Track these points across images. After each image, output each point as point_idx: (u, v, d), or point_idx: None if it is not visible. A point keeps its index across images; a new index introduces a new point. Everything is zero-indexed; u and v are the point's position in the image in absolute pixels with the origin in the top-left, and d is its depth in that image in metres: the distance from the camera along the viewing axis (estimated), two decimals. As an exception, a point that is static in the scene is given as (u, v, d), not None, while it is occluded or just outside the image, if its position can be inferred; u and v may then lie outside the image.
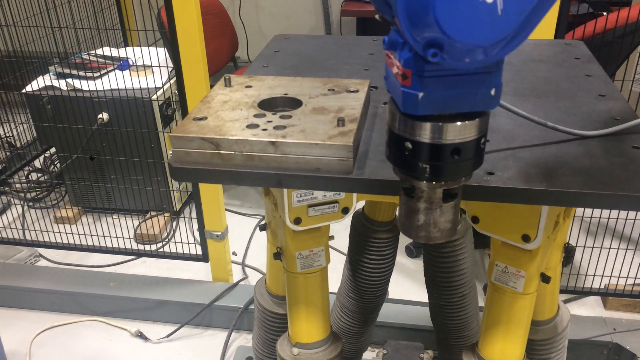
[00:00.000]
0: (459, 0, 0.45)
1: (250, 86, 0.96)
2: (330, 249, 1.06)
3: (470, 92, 0.53)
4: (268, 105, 0.90)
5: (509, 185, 0.75)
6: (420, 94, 0.52)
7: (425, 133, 0.55)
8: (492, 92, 0.54)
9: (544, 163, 0.80)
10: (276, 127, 0.82)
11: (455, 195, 0.60)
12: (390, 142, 0.59)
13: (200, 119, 0.85)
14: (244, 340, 2.18)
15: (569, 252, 1.09)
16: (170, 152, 0.82)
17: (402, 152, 0.57)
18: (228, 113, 0.87)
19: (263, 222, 1.18)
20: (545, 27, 1.68)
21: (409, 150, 0.56)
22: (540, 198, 0.75)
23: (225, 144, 0.79)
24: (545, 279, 0.95)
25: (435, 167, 0.56)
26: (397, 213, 1.40)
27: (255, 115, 0.86)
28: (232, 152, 0.80)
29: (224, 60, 3.13)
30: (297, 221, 0.95)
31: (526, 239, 0.87)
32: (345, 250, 1.42)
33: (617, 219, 2.25)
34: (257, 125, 0.82)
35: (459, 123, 0.54)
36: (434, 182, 0.57)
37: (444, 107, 0.54)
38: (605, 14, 2.29)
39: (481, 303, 1.57)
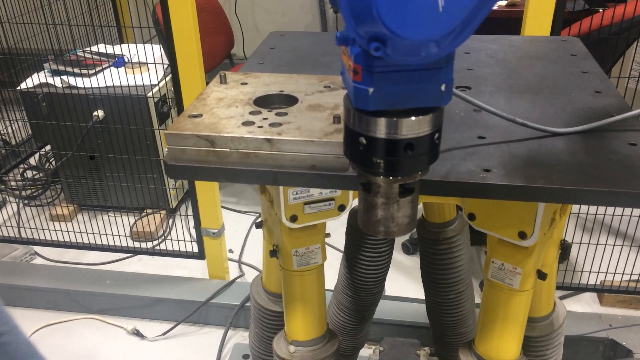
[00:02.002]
0: None
1: (246, 83, 0.96)
2: (326, 246, 1.05)
3: (420, 87, 0.54)
4: (264, 102, 0.90)
5: (505, 182, 0.75)
6: (371, 90, 0.53)
7: (378, 128, 0.55)
8: (443, 87, 0.54)
9: (541, 160, 0.80)
10: (272, 125, 0.81)
11: (412, 190, 0.60)
12: (346, 137, 0.59)
13: (196, 117, 0.84)
14: (240, 337, 2.18)
15: (565, 249, 1.09)
16: (166, 149, 0.82)
17: (357, 148, 0.57)
18: (223, 110, 0.86)
19: (259, 220, 1.17)
20: (541, 24, 1.68)
21: (363, 146, 0.56)
22: (537, 195, 0.75)
23: (220, 142, 0.79)
24: (541, 275, 0.95)
25: (390, 162, 0.56)
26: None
27: (251, 113, 0.85)
28: (228, 150, 0.79)
29: (220, 57, 3.12)
30: (293, 219, 0.95)
31: (522, 236, 0.87)
32: (342, 248, 1.42)
33: (613, 215, 2.26)
34: (252, 123, 0.82)
35: (412, 118, 0.54)
36: (389, 177, 0.58)
37: (394, 102, 0.54)
38: (601, 10, 2.30)
39: (477, 300, 1.57)
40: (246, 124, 0.82)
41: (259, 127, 0.81)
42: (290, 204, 0.93)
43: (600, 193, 0.73)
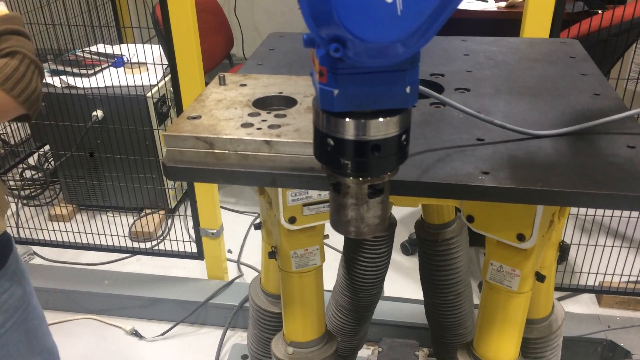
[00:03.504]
0: None
1: (245, 85, 0.96)
2: (325, 247, 1.05)
3: (384, 89, 0.54)
4: (262, 104, 0.90)
5: (504, 185, 0.75)
6: (336, 91, 0.53)
7: (345, 130, 0.55)
8: (408, 89, 0.55)
9: (539, 162, 0.80)
10: (271, 126, 0.81)
11: (381, 191, 0.60)
12: (315, 138, 0.59)
13: (195, 118, 0.84)
14: (239, 338, 2.18)
15: (564, 250, 1.09)
16: (163, 148, 0.82)
17: (325, 149, 0.58)
18: (222, 112, 0.86)
19: (258, 221, 1.17)
20: (541, 25, 1.68)
21: (331, 147, 0.57)
22: (535, 198, 0.75)
23: (219, 143, 0.79)
24: (540, 277, 0.95)
25: (357, 163, 0.57)
26: (390, 211, 1.40)
27: (250, 114, 0.85)
28: (227, 152, 0.79)
29: (219, 58, 3.12)
30: (292, 220, 0.95)
31: (521, 238, 0.87)
32: (341, 248, 1.42)
33: (612, 216, 2.26)
34: (251, 124, 0.82)
35: (379, 119, 0.55)
36: (358, 178, 0.58)
37: (359, 104, 0.54)
38: (600, 11, 2.30)
39: (476, 301, 1.57)
40: (245, 125, 0.82)
41: (258, 128, 0.81)
42: (289, 206, 0.93)
43: (599, 196, 0.73)
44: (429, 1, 0.47)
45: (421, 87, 0.86)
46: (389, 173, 0.59)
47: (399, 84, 0.54)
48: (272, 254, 1.06)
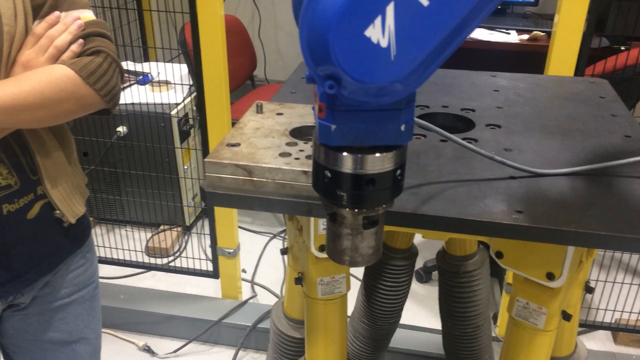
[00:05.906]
0: (355, 40, 0.48)
1: (281, 114, 0.98)
2: (350, 276, 1.06)
3: (379, 127, 0.56)
4: (299, 133, 0.92)
5: (538, 225, 0.76)
6: (333, 126, 0.55)
7: (341, 163, 0.58)
8: (402, 127, 0.57)
9: (573, 202, 0.80)
10: (308, 157, 0.83)
11: (376, 222, 0.62)
12: (314, 170, 0.62)
13: (234, 145, 0.86)
14: (250, 359, 2.18)
15: (589, 290, 1.09)
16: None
17: (323, 180, 0.60)
18: (260, 140, 0.88)
19: (285, 247, 1.18)
20: (566, 62, 1.70)
21: (328, 179, 0.59)
22: (569, 239, 0.76)
23: (258, 172, 0.81)
24: (566, 317, 0.95)
25: (353, 196, 0.59)
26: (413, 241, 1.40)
27: (287, 144, 0.87)
28: (265, 180, 0.81)
29: (242, 79, 3.16)
30: (322, 248, 0.96)
31: (550, 277, 0.87)
32: (361, 276, 1.43)
33: (631, 254, 2.24)
34: (289, 154, 0.84)
35: (375, 155, 0.57)
36: (354, 210, 0.60)
37: (355, 140, 0.56)
38: (623, 48, 2.31)
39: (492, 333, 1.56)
40: (283, 155, 0.84)
41: (296, 158, 0.83)
42: (320, 234, 0.95)
43: (634, 240, 0.73)
44: (421, 49, 0.49)
45: (421, 122, 0.88)
46: (383, 205, 0.61)
47: (394, 122, 0.56)
48: (298, 280, 1.07)
